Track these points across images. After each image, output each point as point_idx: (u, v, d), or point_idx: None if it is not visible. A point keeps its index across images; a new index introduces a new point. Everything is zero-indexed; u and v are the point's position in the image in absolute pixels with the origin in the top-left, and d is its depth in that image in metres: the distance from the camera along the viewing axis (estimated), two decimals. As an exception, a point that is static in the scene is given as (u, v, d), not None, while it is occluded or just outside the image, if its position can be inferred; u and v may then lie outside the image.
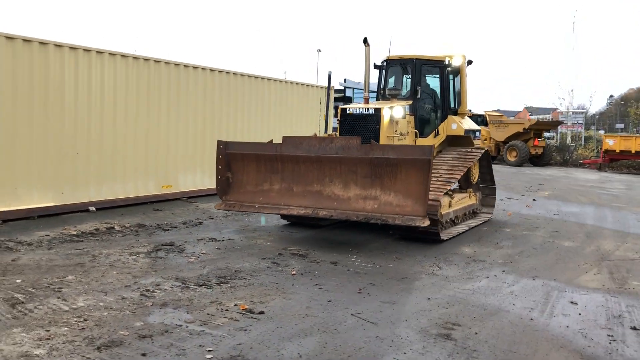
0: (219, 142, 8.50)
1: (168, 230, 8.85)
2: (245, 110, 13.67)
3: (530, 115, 68.25)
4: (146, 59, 11.14)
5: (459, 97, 10.94)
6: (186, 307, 5.14)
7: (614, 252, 8.32)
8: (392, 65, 10.72)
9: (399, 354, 4.22)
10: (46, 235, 8.04)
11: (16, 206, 8.98)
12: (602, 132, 48.54)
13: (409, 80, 10.55)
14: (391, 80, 10.75)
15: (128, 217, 9.81)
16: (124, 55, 10.67)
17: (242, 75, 13.61)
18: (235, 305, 5.23)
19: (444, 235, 8.57)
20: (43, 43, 9.23)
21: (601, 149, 28.72)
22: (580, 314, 5.37)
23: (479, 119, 28.32)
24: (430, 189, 7.37)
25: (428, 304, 5.49)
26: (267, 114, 14.41)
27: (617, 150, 27.33)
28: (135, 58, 10.92)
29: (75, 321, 4.65)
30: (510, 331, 4.82)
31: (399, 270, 6.78)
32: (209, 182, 12.45)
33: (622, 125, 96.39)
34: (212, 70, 12.74)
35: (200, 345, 4.24)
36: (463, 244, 8.51)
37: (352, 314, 5.10)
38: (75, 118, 9.82)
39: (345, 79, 42.05)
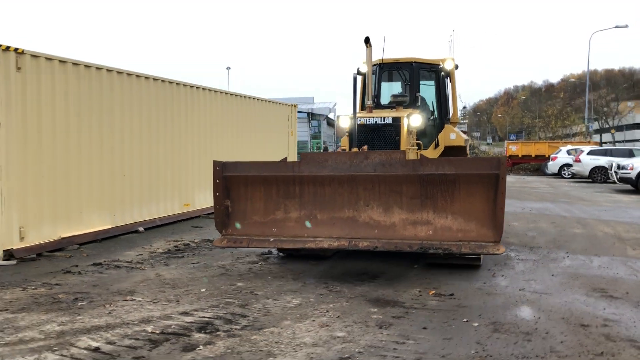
0: (215, 163, 7.04)
1: (239, 243, 9.35)
2: (240, 130, 14.26)
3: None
4: (170, 82, 11.49)
5: (451, 103, 10.41)
6: (384, 295, 5.93)
7: (621, 234, 10.07)
8: (385, 70, 10.06)
9: (601, 309, 5.38)
10: (139, 255, 8.28)
11: (84, 230, 9.04)
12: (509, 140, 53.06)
13: (401, 85, 10.04)
14: (387, 86, 10.25)
15: (182, 234, 10.12)
16: (155, 79, 10.98)
17: (236, 95, 14.21)
18: (420, 291, 6.10)
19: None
20: (99, 68, 9.40)
21: (505, 153, 32.19)
22: (675, 276, 6.87)
23: None
24: None
25: (561, 279, 6.69)
26: (254, 133, 15.06)
27: (520, 155, 30.86)
28: (163, 81, 11.23)
29: (320, 313, 5.30)
30: (647, 290, 6.17)
31: (493, 260, 7.84)
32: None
33: (478, 134, 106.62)
34: (216, 91, 13.23)
35: (453, 319, 5.12)
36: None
37: (519, 290, 6.18)
38: (122, 140, 10.00)
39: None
